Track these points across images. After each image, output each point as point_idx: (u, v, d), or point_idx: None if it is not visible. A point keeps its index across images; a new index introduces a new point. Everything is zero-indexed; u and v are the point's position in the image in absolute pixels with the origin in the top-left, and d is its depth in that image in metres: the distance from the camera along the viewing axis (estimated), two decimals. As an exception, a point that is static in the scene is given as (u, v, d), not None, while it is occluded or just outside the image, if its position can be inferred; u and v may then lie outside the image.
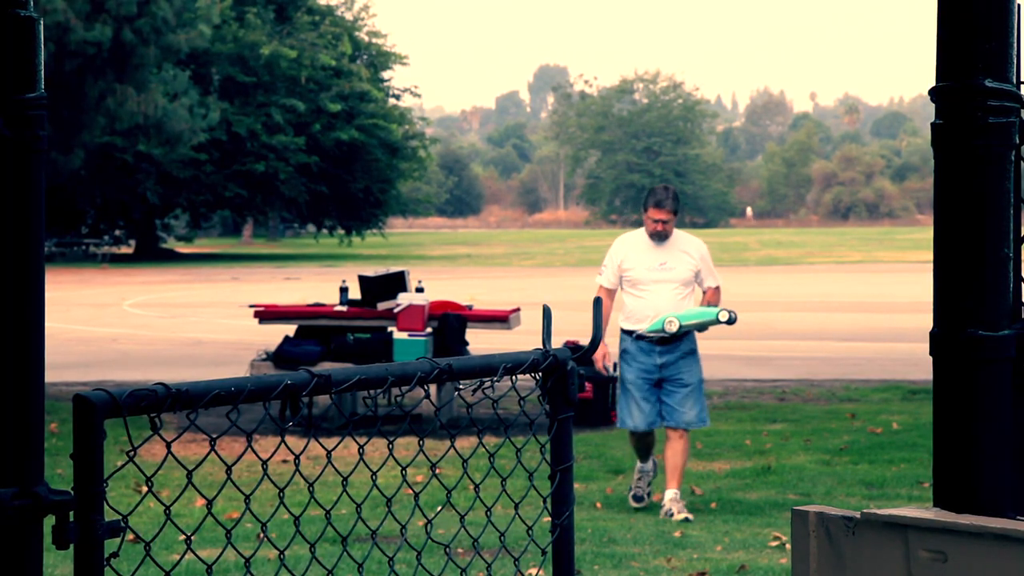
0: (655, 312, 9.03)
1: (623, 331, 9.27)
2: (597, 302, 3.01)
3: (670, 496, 9.05)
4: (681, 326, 8.89)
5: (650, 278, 9.09)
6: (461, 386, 2.67)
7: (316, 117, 58.11)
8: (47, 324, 2.07)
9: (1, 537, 2.00)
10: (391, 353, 12.52)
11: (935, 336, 2.28)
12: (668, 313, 8.96)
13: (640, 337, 9.09)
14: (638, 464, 9.41)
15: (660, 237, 9.14)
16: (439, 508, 2.91)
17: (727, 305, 9.27)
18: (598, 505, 9.43)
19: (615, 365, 11.04)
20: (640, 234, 9.28)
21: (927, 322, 2.38)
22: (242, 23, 56.54)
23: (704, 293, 9.28)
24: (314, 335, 13.18)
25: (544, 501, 2.77)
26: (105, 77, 26.97)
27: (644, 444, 9.35)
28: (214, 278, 42.97)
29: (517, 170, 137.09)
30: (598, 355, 10.00)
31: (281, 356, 12.88)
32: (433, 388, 12.70)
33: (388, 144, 61.19)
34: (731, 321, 8.77)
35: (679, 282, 9.11)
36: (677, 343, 9.09)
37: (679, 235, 9.30)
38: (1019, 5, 2.28)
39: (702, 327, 8.97)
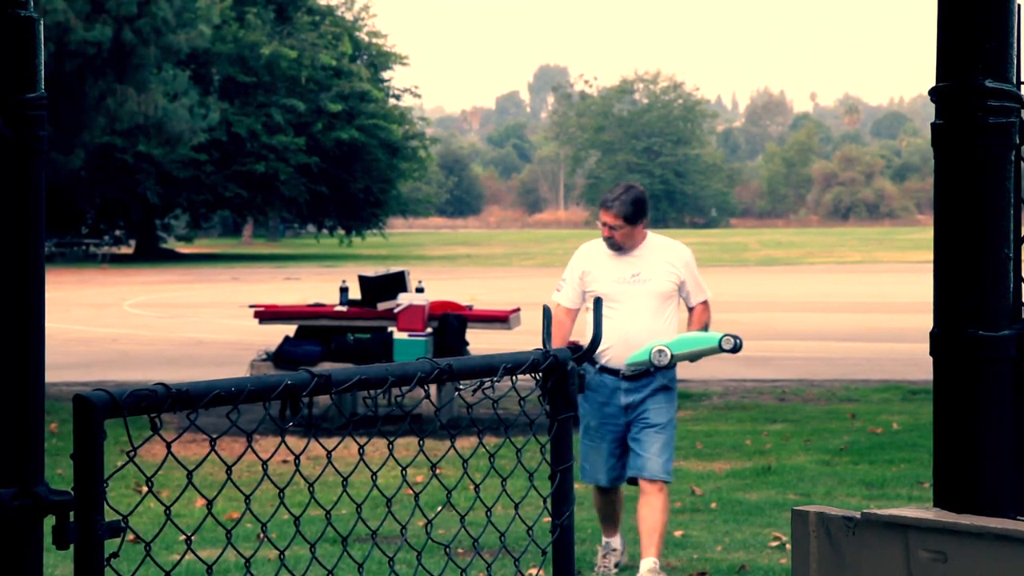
0: (624, 336, 7.19)
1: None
2: (597, 301, 2.99)
3: (648, 567, 7.28)
4: (673, 357, 7.14)
5: (619, 292, 7.26)
6: (461, 386, 2.67)
7: (316, 117, 58.14)
8: (47, 324, 2.07)
9: (1, 537, 2.00)
10: (391, 353, 12.52)
11: (935, 336, 2.28)
12: (655, 341, 7.16)
13: (604, 370, 7.28)
14: (603, 539, 7.69)
15: (614, 246, 7.34)
16: (439, 508, 2.91)
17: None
18: (598, 505, 9.43)
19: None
20: (603, 242, 7.47)
21: (927, 322, 2.38)
22: (242, 23, 56.55)
23: (690, 311, 7.48)
24: (314, 335, 13.18)
25: (544, 501, 2.77)
26: (105, 77, 26.97)
27: (610, 508, 7.61)
28: (214, 278, 42.98)
29: (517, 170, 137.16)
30: None
31: (281, 356, 12.88)
32: (433, 388, 12.69)
33: (388, 144, 61.22)
34: (736, 349, 7.11)
35: (656, 296, 7.27)
36: (649, 379, 7.25)
37: (657, 240, 7.48)
38: (1019, 5, 2.28)
39: (697, 357, 7.30)
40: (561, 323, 7.53)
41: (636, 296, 7.27)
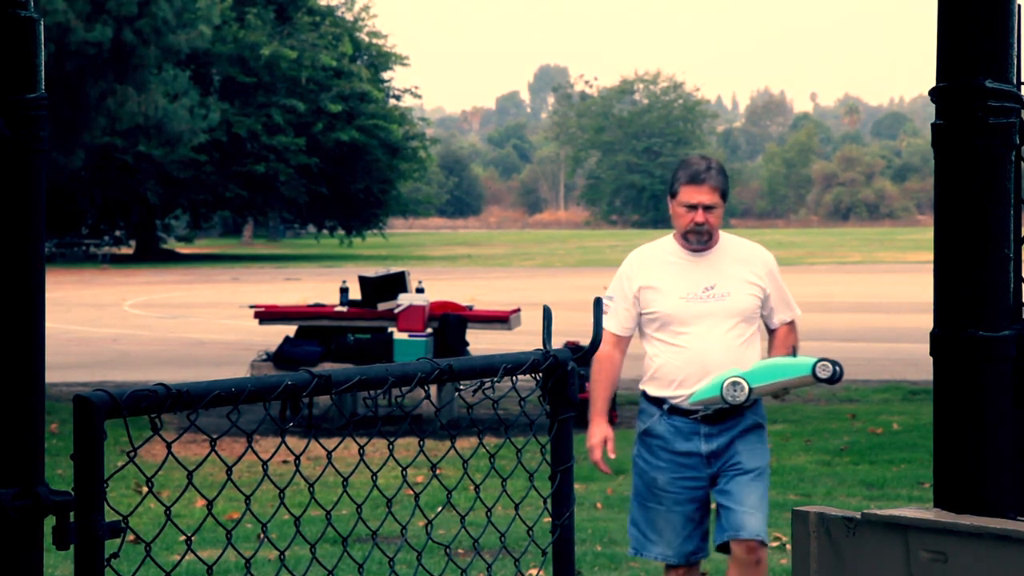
0: (701, 369, 5.60)
1: (646, 399, 5.76)
2: (598, 301, 2.96)
3: None
4: (752, 391, 5.53)
5: (691, 312, 5.64)
6: (461, 386, 2.67)
7: (316, 118, 58.12)
8: (47, 324, 2.07)
9: (1, 537, 2.00)
10: (391, 353, 12.52)
11: (935, 336, 2.28)
12: (727, 371, 5.57)
13: (675, 411, 5.65)
14: None
15: (701, 237, 5.69)
16: (439, 508, 2.91)
17: None
18: (598, 505, 9.43)
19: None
20: (666, 244, 5.81)
21: (927, 322, 2.38)
22: (242, 23, 56.54)
23: (771, 334, 5.88)
24: (314, 336, 13.18)
25: (544, 501, 2.77)
26: (105, 77, 26.98)
27: None
28: (214, 278, 42.98)
29: (517, 170, 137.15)
30: (596, 441, 5.75)
31: (281, 357, 12.88)
32: (433, 389, 12.70)
33: (388, 145, 61.21)
34: (834, 378, 5.55)
35: (737, 314, 5.66)
36: (737, 418, 5.64)
37: (731, 241, 5.86)
38: (1019, 5, 2.28)
39: (783, 391, 5.66)
40: (608, 357, 5.82)
41: (712, 316, 5.66)
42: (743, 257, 5.79)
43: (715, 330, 5.64)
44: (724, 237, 5.82)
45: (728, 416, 5.62)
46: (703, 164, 5.74)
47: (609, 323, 5.79)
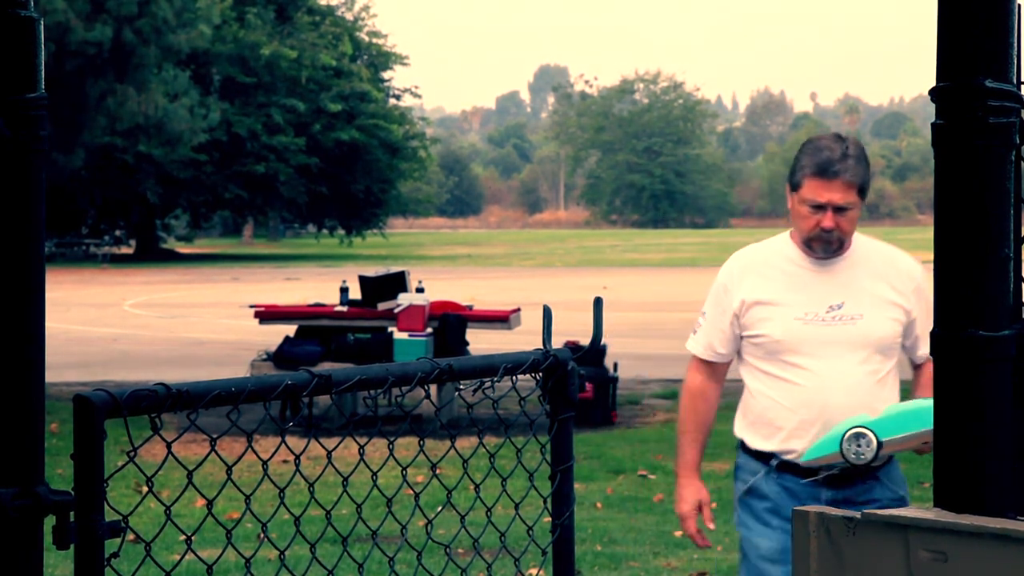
0: (820, 413, 4.33)
1: (746, 452, 4.50)
2: (598, 301, 2.92)
3: None
4: (882, 445, 4.30)
5: (810, 337, 4.34)
6: (461, 386, 2.67)
7: (316, 117, 58.14)
8: (47, 324, 2.07)
9: (1, 537, 2.00)
10: (391, 353, 12.53)
11: (935, 336, 2.28)
12: (851, 419, 4.28)
13: (786, 468, 4.39)
14: None
15: (829, 246, 4.36)
16: (439, 508, 2.91)
17: None
18: (598, 505, 9.43)
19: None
20: (781, 246, 4.48)
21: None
22: (242, 23, 56.55)
23: (916, 370, 4.62)
24: (314, 335, 13.19)
25: (544, 501, 2.77)
26: (105, 77, 26.99)
27: None
28: (214, 278, 42.98)
29: (517, 170, 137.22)
30: (688, 508, 4.55)
31: (281, 356, 12.89)
32: (433, 388, 12.70)
33: (388, 144, 61.22)
34: None
35: (872, 345, 4.38)
36: (870, 483, 4.46)
37: (869, 246, 4.49)
38: (1019, 5, 2.28)
39: (923, 443, 4.34)
40: (700, 392, 4.57)
41: (837, 344, 4.35)
42: (884, 268, 4.44)
43: (840, 363, 4.34)
44: (859, 240, 4.44)
45: (858, 478, 4.37)
46: (836, 150, 4.31)
47: (698, 347, 4.53)
